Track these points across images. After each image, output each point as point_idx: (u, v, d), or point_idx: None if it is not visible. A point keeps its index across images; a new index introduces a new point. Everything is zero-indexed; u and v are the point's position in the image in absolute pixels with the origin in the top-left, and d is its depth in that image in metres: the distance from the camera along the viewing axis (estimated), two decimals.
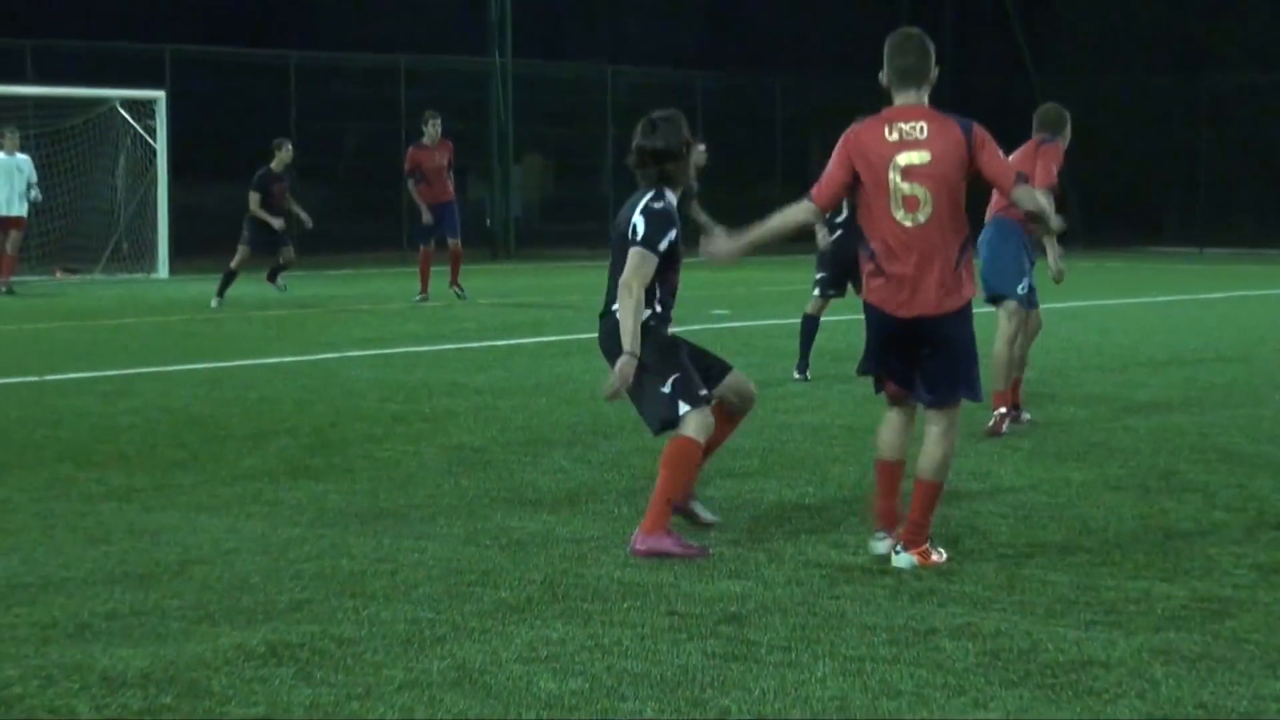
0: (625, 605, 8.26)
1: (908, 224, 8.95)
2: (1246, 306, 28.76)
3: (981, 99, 59.28)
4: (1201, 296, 30.82)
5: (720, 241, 9.56)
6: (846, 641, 7.64)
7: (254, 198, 28.43)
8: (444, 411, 15.19)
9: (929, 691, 6.95)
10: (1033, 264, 14.46)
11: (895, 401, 9.46)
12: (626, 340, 9.42)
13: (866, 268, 9.15)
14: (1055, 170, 14.42)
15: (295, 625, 7.91)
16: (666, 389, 9.59)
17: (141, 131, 35.73)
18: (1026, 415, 14.49)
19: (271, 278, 29.24)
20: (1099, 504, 10.86)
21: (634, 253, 9.58)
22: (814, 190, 9.21)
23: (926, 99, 9.16)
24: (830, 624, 7.93)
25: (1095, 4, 60.04)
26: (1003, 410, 13.90)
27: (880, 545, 9.23)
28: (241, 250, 28.60)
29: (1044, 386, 16.59)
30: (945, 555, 9.19)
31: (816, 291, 18.06)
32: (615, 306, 9.66)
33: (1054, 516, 10.45)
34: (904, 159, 8.93)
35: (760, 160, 53.45)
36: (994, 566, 9.07)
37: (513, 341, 21.77)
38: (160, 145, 36.79)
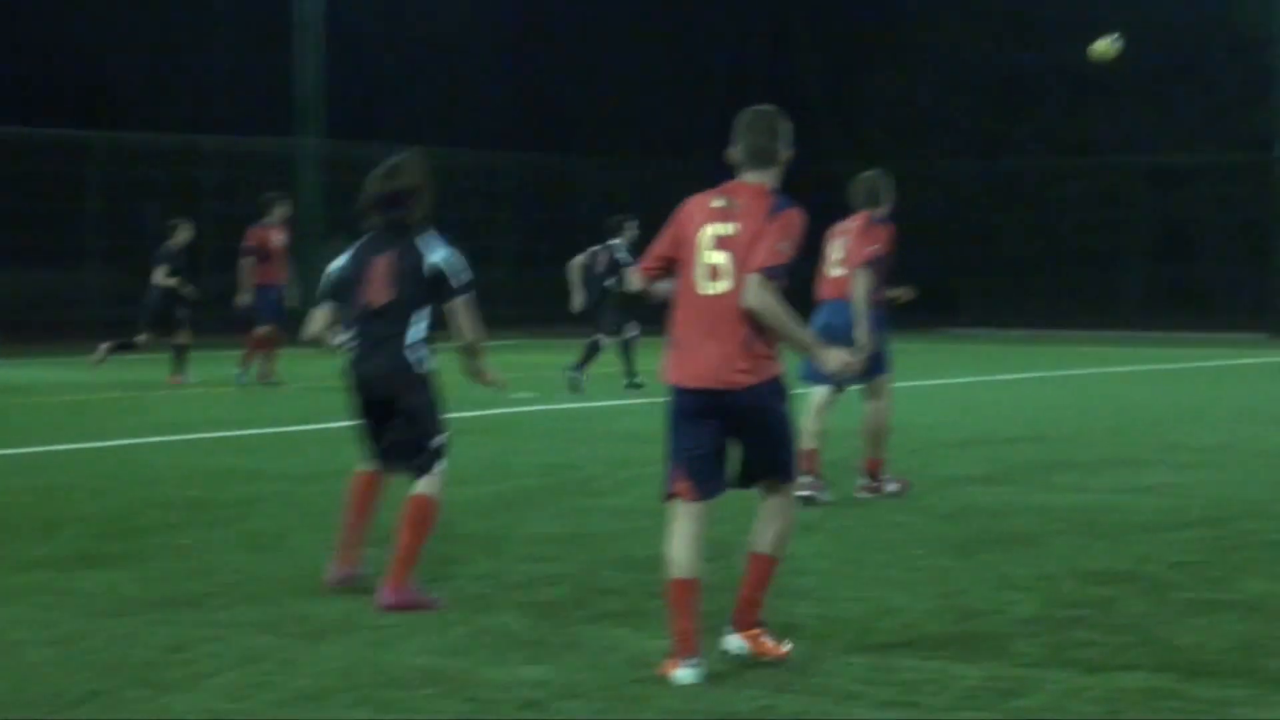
0: (424, 692, 8.21)
1: (710, 292, 8.73)
2: (1041, 387, 29.15)
3: (785, 178, 60.01)
4: (998, 377, 31.17)
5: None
6: None
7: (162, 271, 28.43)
8: (245, 498, 15.04)
9: None
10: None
11: (691, 505, 8.79)
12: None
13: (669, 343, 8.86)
14: (871, 248, 14.89)
15: (84, 717, 7.78)
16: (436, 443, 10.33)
17: None
18: (827, 495, 14.63)
19: (118, 349, 28.81)
20: (898, 584, 10.93)
21: (465, 301, 10.28)
22: (641, 262, 9.15)
23: (771, 180, 8.95)
24: (631, 709, 7.92)
25: (902, 92, 60.93)
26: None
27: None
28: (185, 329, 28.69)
29: (845, 467, 16.70)
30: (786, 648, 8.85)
31: None
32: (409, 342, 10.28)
33: (853, 597, 10.51)
34: (714, 230, 8.76)
35: (559, 245, 53.58)
36: (794, 648, 9.07)
37: (315, 426, 21.58)
38: None
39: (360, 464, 10.96)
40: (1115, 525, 13.36)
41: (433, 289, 10.35)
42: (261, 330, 28.37)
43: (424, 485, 10.42)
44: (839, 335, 14.09)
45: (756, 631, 8.87)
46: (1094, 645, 9.19)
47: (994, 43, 59.74)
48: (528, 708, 7.95)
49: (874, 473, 15.21)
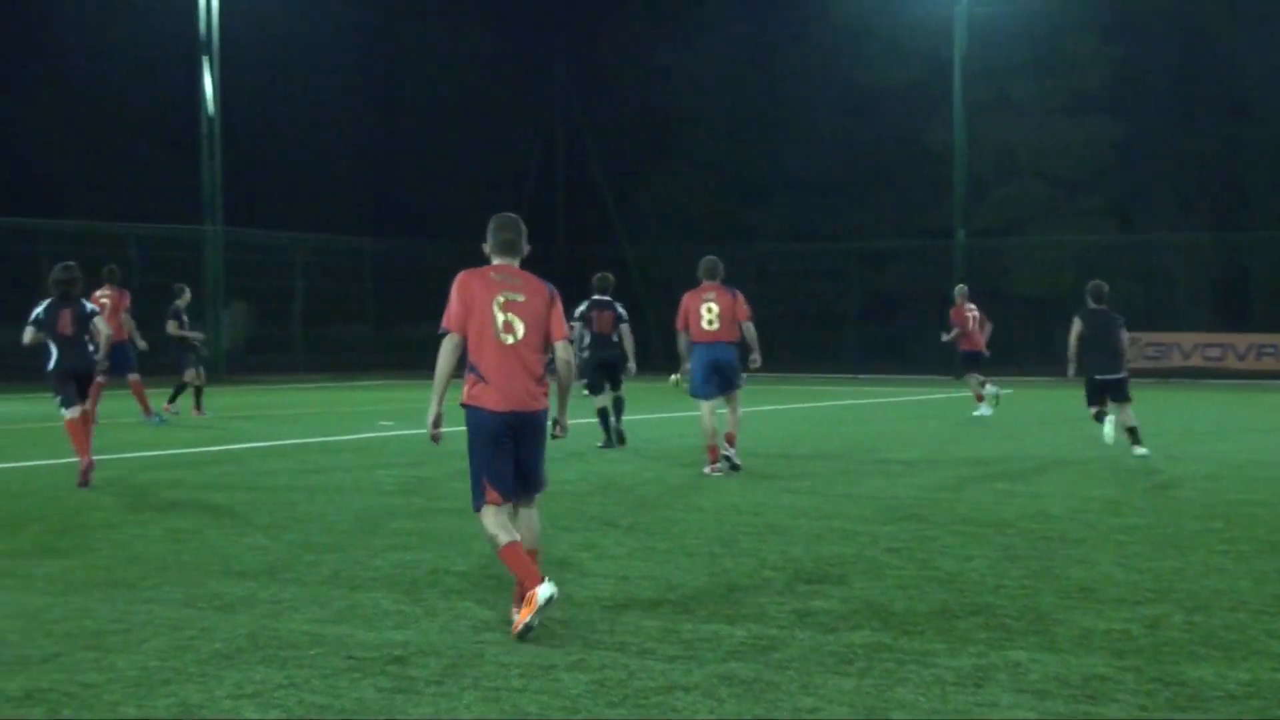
0: (312, 652, 8.12)
1: (508, 342, 9.05)
2: (787, 417, 29.35)
3: (584, 260, 60.35)
4: (755, 409, 31.38)
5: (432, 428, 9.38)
6: (487, 676, 7.60)
7: (172, 324, 28.21)
8: (168, 503, 14.81)
9: (551, 713, 6.94)
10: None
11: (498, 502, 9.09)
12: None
13: (469, 379, 9.08)
14: (747, 307, 18.20)
15: (46, 674, 7.64)
16: None
17: None
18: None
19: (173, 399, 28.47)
20: (679, 566, 10.96)
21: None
22: (445, 323, 9.15)
23: (518, 263, 9.34)
24: (473, 663, 7.88)
25: (670, 187, 61.38)
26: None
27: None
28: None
29: (638, 479, 16.76)
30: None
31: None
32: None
33: (645, 576, 10.52)
34: (503, 297, 9.10)
35: (411, 308, 53.49)
36: (600, 615, 9.10)
37: (225, 447, 21.31)
38: None
39: None
40: (845, 519, 13.49)
41: None
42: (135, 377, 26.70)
43: None
44: (725, 366, 18.13)
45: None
46: (831, 611, 9.26)
47: (743, 150, 60.49)
48: (393, 663, 7.88)
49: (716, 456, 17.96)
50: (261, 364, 51.59)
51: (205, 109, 46.73)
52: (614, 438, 21.55)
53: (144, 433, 24.41)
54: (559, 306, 9.34)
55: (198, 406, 28.26)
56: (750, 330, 18.22)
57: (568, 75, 61.86)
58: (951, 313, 30.11)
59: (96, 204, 49.85)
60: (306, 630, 8.71)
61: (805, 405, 32.66)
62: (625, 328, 21.84)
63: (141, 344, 26.93)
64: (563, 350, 9.29)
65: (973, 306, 29.90)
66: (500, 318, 9.08)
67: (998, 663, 7.91)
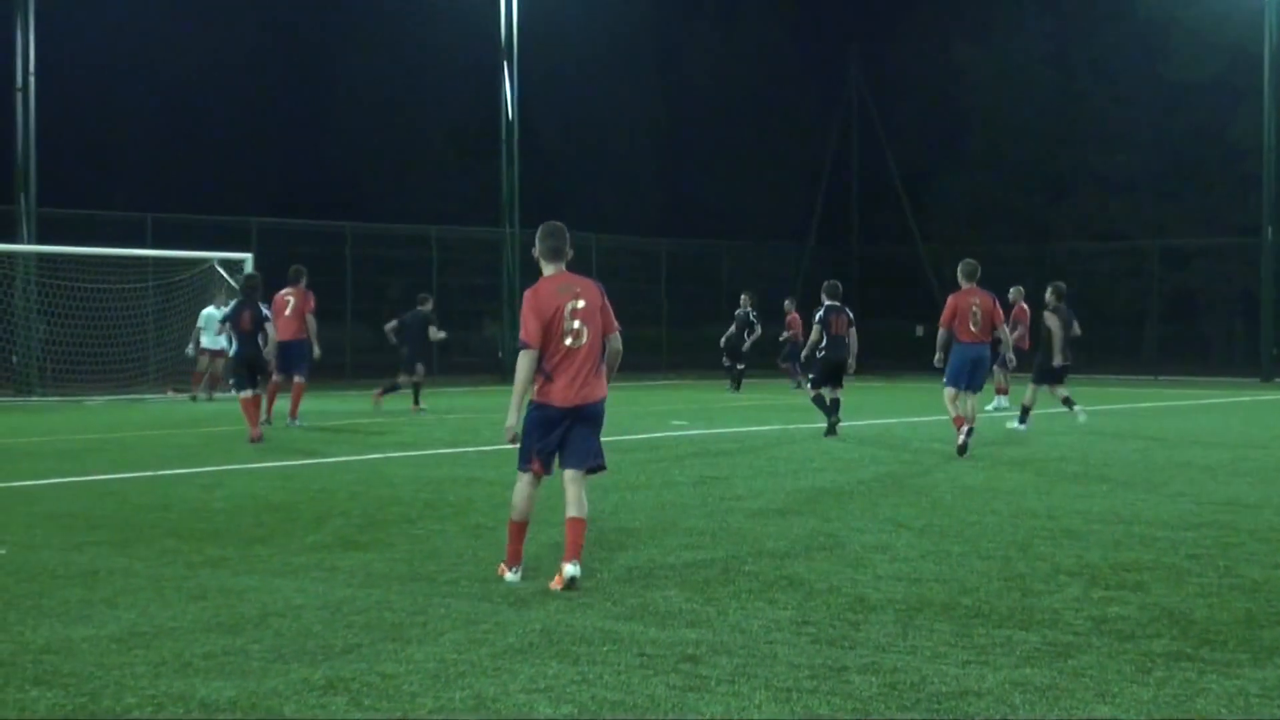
0: (605, 649, 8.19)
1: (576, 346, 10.26)
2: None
3: (880, 261, 60.07)
4: (1058, 410, 30.75)
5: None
6: (778, 676, 7.58)
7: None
8: (464, 499, 15.11)
9: (841, 714, 6.89)
10: None
11: (536, 477, 10.49)
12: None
13: (539, 379, 10.26)
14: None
15: (348, 664, 7.84)
16: None
17: (233, 284, 35.55)
18: None
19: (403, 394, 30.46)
20: (973, 570, 10.81)
21: None
22: (526, 339, 10.21)
23: (565, 267, 10.51)
24: (765, 663, 7.87)
25: (967, 186, 60.64)
26: None
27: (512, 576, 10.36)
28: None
29: (930, 480, 16.58)
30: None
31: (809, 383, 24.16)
32: None
33: (938, 579, 10.40)
34: (571, 305, 10.29)
35: (707, 308, 53.72)
36: (892, 618, 9.01)
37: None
38: None
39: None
40: (1143, 524, 13.15)
41: None
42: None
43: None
44: (981, 364, 20.55)
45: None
46: (1128, 618, 9.03)
47: (1041, 147, 59.42)
48: (686, 661, 7.91)
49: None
50: None
51: (505, 112, 47.61)
52: (832, 428, 23.20)
53: (439, 431, 24.94)
54: (608, 302, 10.52)
55: (415, 402, 30.12)
56: (1005, 333, 21.07)
57: (862, 74, 61.45)
58: (1015, 313, 30.37)
59: (398, 207, 51.25)
60: (599, 626, 8.78)
61: (1102, 407, 31.85)
62: (853, 331, 23.66)
63: (317, 351, 26.28)
64: (614, 342, 10.51)
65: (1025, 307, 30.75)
66: (570, 325, 10.26)
67: None
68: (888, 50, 62.15)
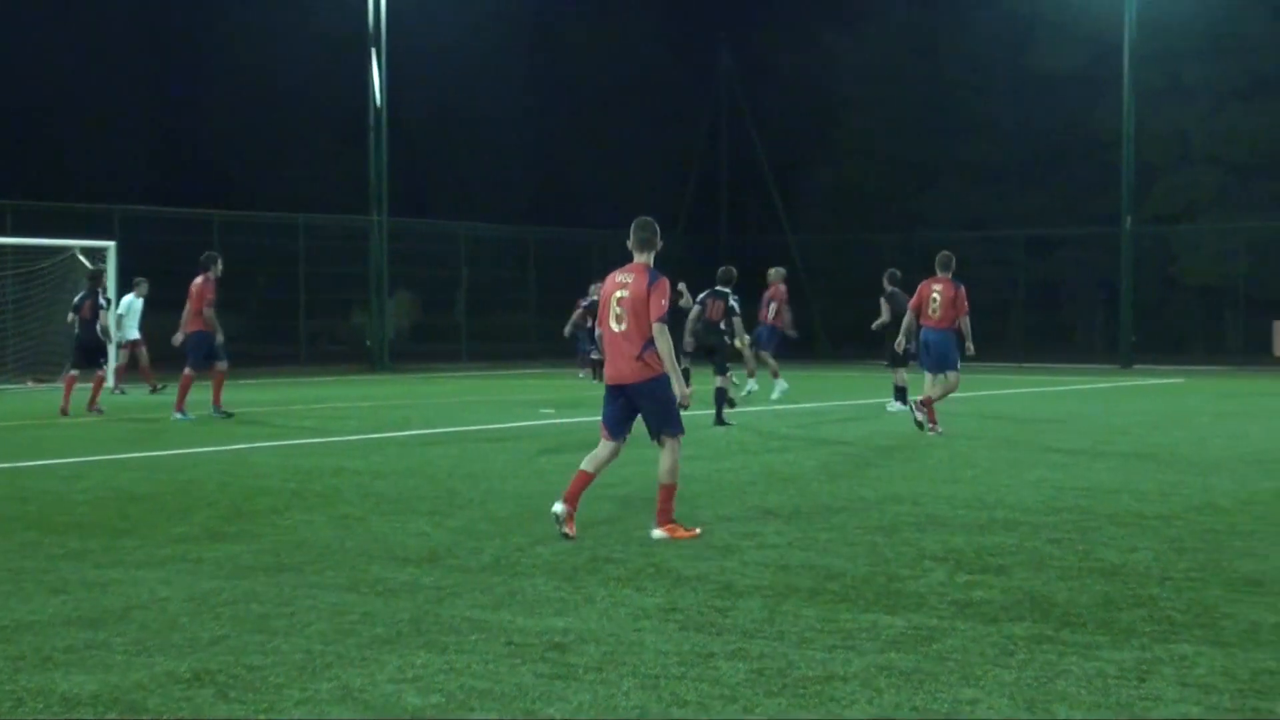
0: (473, 638, 8.19)
1: (617, 330, 11.65)
2: (949, 403, 29.05)
3: (749, 249, 60.39)
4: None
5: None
6: (645, 664, 7.62)
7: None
8: (332, 489, 15.03)
9: (709, 701, 6.94)
10: None
11: (606, 440, 11.84)
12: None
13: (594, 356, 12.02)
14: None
15: (214, 656, 7.78)
16: None
17: (89, 266, 35.00)
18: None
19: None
20: (839, 556, 10.91)
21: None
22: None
23: (651, 259, 11.79)
24: (633, 651, 7.90)
25: (835, 174, 61.14)
26: None
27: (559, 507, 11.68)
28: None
29: (800, 468, 16.70)
30: (697, 530, 11.77)
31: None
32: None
33: (805, 566, 10.49)
34: (619, 293, 11.66)
35: (576, 296, 53.73)
36: (759, 604, 9.08)
37: (386, 435, 21.61)
38: (111, 283, 36.10)
39: None
40: (1007, 509, 13.34)
41: None
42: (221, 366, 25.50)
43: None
44: (933, 346, 21.60)
45: (673, 525, 11.69)
46: (992, 602, 9.18)
47: (908, 136, 60.01)
48: (552, 649, 7.93)
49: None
50: (425, 353, 52.24)
51: (373, 100, 47.32)
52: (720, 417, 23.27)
53: (308, 420, 24.80)
54: (656, 295, 11.49)
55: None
56: (965, 324, 21.58)
57: (732, 62, 61.70)
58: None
59: (267, 195, 50.76)
60: (467, 616, 8.78)
61: (969, 394, 32.24)
62: (737, 321, 24.08)
63: (220, 337, 25.20)
64: (656, 331, 11.48)
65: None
66: (615, 310, 11.62)
67: (1162, 656, 7.78)
68: (758, 39, 62.46)
